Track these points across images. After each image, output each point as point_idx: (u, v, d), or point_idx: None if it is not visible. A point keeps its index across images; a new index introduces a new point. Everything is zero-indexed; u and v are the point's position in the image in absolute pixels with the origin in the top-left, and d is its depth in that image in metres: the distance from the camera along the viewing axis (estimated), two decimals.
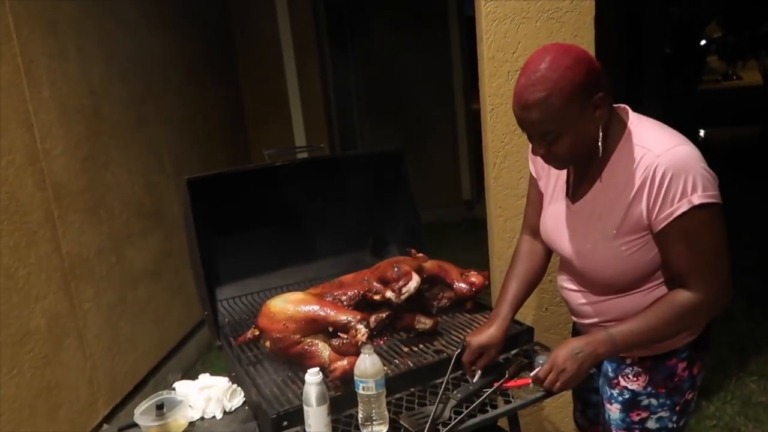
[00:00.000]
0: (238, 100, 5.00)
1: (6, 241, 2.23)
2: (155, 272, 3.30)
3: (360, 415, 1.32)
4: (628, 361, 1.42)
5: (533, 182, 1.57)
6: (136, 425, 1.45)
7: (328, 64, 5.47)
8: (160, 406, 1.41)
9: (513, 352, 1.61)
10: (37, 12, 2.51)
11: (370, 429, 1.31)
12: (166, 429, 1.41)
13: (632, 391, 1.42)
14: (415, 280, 1.61)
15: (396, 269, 1.65)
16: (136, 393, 3.00)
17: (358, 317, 1.49)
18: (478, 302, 1.89)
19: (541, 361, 1.52)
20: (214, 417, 1.50)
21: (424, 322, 1.65)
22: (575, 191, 1.41)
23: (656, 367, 1.39)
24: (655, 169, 1.19)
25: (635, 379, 1.41)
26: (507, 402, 1.45)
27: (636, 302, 1.34)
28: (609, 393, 1.47)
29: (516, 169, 2.10)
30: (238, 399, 1.54)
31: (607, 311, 1.40)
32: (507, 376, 1.46)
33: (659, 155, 1.20)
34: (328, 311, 1.51)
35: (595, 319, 1.44)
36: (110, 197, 2.95)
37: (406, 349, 1.63)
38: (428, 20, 5.92)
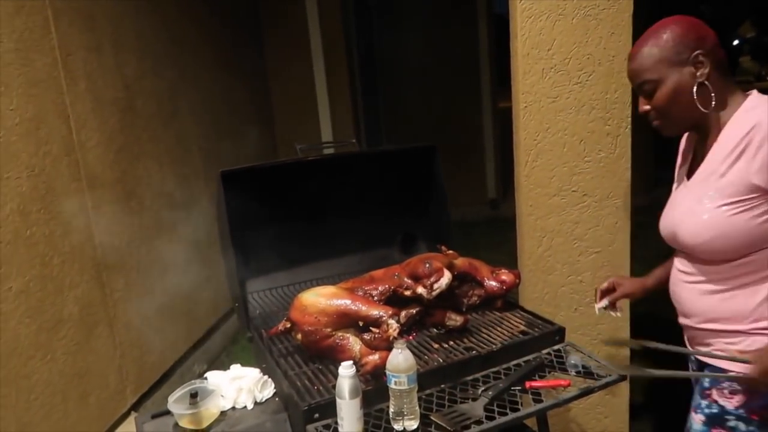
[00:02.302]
0: (266, 94, 5.03)
1: (42, 230, 2.28)
2: (184, 264, 3.34)
3: (391, 410, 1.32)
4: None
5: None
6: (168, 413, 1.47)
7: (356, 60, 5.48)
8: (194, 395, 1.43)
9: (544, 351, 1.60)
10: (75, 6, 2.56)
11: (401, 424, 1.31)
12: (198, 417, 1.43)
13: (722, 407, 1.37)
14: (446, 277, 1.61)
15: (427, 265, 1.65)
16: (163, 382, 3.04)
17: (390, 312, 1.49)
18: (509, 301, 1.88)
19: (573, 361, 1.51)
20: (245, 407, 1.51)
21: (455, 319, 1.65)
22: (692, 171, 1.43)
23: (757, 391, 1.31)
24: (761, 126, 1.22)
25: (730, 396, 1.35)
26: (537, 401, 1.44)
27: (747, 299, 1.32)
28: (698, 402, 1.43)
29: (548, 167, 2.08)
30: (269, 390, 1.55)
31: (722, 307, 1.37)
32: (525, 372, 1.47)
33: None
34: (360, 306, 1.52)
35: (710, 319, 1.39)
36: (141, 189, 2.99)
37: (436, 346, 1.63)
38: (456, 17, 5.89)
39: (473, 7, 5.89)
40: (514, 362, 1.56)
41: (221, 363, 3.55)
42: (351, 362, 1.28)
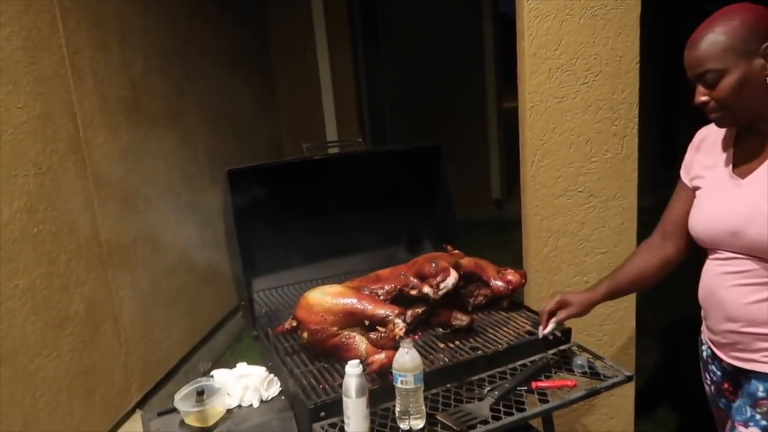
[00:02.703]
0: (271, 93, 5.04)
1: (49, 227, 2.29)
2: (189, 262, 3.35)
3: (397, 409, 1.32)
4: None
5: (681, 184, 1.53)
6: (175, 410, 1.47)
7: (361, 59, 5.48)
8: (200, 392, 1.44)
9: (551, 352, 1.60)
10: (82, 4, 2.57)
11: (407, 423, 1.31)
12: (204, 415, 1.43)
13: None
14: (453, 276, 1.61)
15: (434, 265, 1.65)
16: (168, 380, 3.05)
17: (396, 311, 1.49)
18: (514, 301, 1.88)
19: (579, 362, 1.51)
20: (251, 405, 1.51)
21: (461, 319, 1.65)
22: (744, 170, 1.35)
23: None
24: None
25: None
26: (543, 402, 1.44)
27: None
28: (749, 414, 1.34)
29: (554, 167, 2.08)
30: (275, 388, 1.55)
31: None
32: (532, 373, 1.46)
33: None
34: (366, 305, 1.52)
35: (761, 323, 1.32)
36: (147, 187, 3.00)
37: (441, 345, 1.63)
38: (462, 17, 5.88)
39: (479, 7, 5.88)
40: (520, 362, 1.56)
41: (225, 361, 3.56)
42: (357, 361, 1.28)
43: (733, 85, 1.25)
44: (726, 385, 1.47)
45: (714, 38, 1.25)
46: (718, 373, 1.48)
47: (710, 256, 1.42)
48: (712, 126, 1.40)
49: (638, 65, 2.04)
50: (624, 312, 2.19)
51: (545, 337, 1.58)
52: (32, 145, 2.24)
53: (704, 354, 1.52)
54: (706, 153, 1.46)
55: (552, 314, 1.58)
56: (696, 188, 1.46)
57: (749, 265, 1.31)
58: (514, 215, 2.25)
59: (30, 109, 2.24)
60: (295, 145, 4.87)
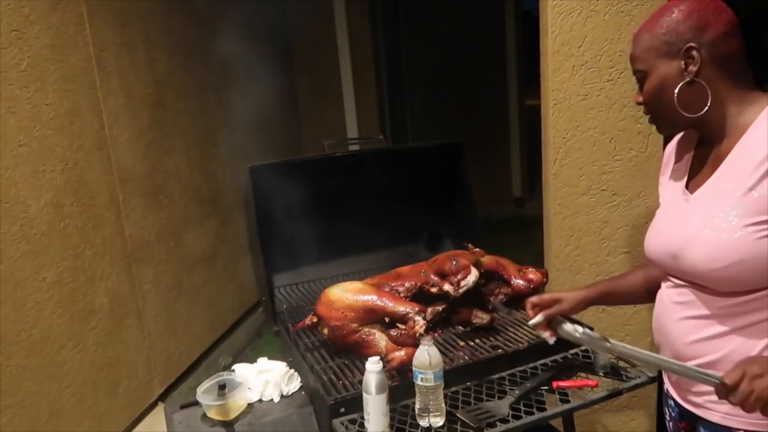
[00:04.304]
0: (292, 90, 5.06)
1: (75, 222, 2.33)
2: (210, 258, 3.39)
3: (417, 406, 1.32)
4: None
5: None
6: (197, 403, 1.49)
7: (382, 56, 5.48)
8: (222, 386, 1.45)
9: (572, 351, 1.58)
10: (108, 3, 2.61)
11: (427, 420, 1.31)
12: (226, 409, 1.45)
13: None
14: (473, 274, 1.60)
15: (454, 263, 1.64)
16: (189, 374, 3.09)
17: (416, 309, 1.49)
18: None
19: (601, 362, 1.50)
20: (271, 400, 1.53)
21: (481, 317, 1.64)
22: (695, 184, 1.21)
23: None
24: None
25: None
26: (564, 402, 1.42)
27: (749, 343, 1.09)
28: None
29: (577, 165, 2.06)
30: (295, 384, 1.56)
31: (722, 350, 1.13)
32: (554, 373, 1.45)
33: None
34: (387, 302, 1.52)
35: (707, 363, 1.14)
36: (170, 183, 3.04)
37: (462, 343, 1.63)
38: (484, 14, 5.85)
39: (501, 4, 5.84)
40: (541, 362, 1.54)
41: (246, 356, 3.59)
42: (378, 358, 1.28)
43: (653, 88, 1.16)
44: (683, 425, 1.30)
45: (641, 37, 1.17)
46: (676, 410, 1.32)
47: (663, 282, 1.27)
48: (683, 133, 1.30)
49: None
50: (647, 312, 2.16)
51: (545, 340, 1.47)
52: (59, 141, 2.28)
53: (664, 387, 1.36)
54: (666, 164, 1.35)
55: (538, 306, 1.44)
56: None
57: (693, 295, 1.16)
58: (535, 213, 2.23)
59: (57, 106, 2.28)
60: (315, 142, 4.90)
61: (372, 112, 5.15)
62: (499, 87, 6.04)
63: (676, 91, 1.13)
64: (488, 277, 1.76)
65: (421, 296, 1.65)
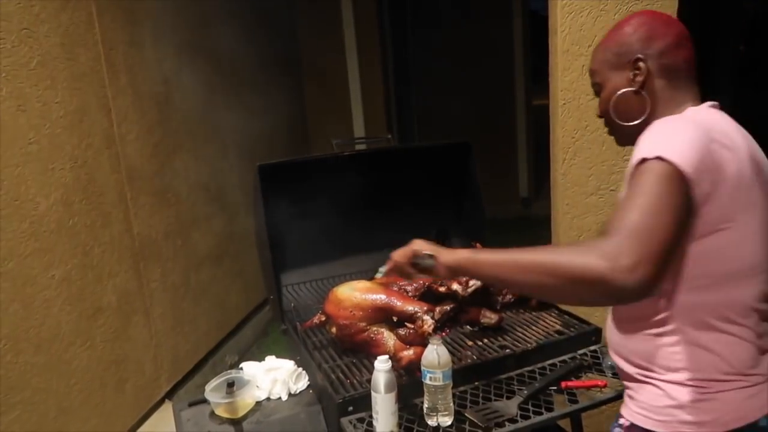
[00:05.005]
0: (299, 89, 5.07)
1: (84, 220, 2.34)
2: (217, 256, 3.40)
3: (425, 405, 1.32)
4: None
5: None
6: (205, 401, 1.50)
7: (389, 55, 5.48)
8: (231, 384, 1.46)
9: (580, 352, 1.58)
10: (117, 2, 2.62)
11: (435, 419, 1.31)
12: (234, 407, 1.45)
13: None
14: None
15: None
16: (196, 372, 3.10)
17: (425, 308, 1.49)
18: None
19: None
20: (279, 398, 1.53)
21: (490, 317, 1.64)
22: None
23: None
24: (636, 148, 1.03)
25: None
26: (572, 402, 1.42)
27: (646, 340, 1.08)
28: None
29: (586, 165, 2.05)
30: (303, 382, 1.56)
31: (623, 345, 1.14)
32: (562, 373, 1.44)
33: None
34: (395, 301, 1.52)
35: (619, 359, 1.17)
36: (178, 182, 3.04)
37: (470, 343, 1.63)
38: (491, 14, 5.84)
39: (508, 4, 5.83)
40: (549, 362, 1.54)
41: (252, 355, 3.60)
42: (387, 357, 1.28)
43: (604, 100, 1.19)
44: None
45: (596, 51, 1.22)
46: None
47: None
48: None
49: None
50: None
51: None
52: (69, 139, 2.29)
53: None
54: None
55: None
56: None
57: None
58: (542, 214, 2.23)
59: (67, 104, 2.29)
60: (322, 141, 4.90)
61: (379, 111, 5.15)
62: (506, 87, 6.02)
63: (613, 99, 1.16)
64: None
65: (429, 295, 1.66)
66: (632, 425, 1.10)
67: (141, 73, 2.78)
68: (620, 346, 1.15)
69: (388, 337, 1.51)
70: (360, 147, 3.79)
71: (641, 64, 1.13)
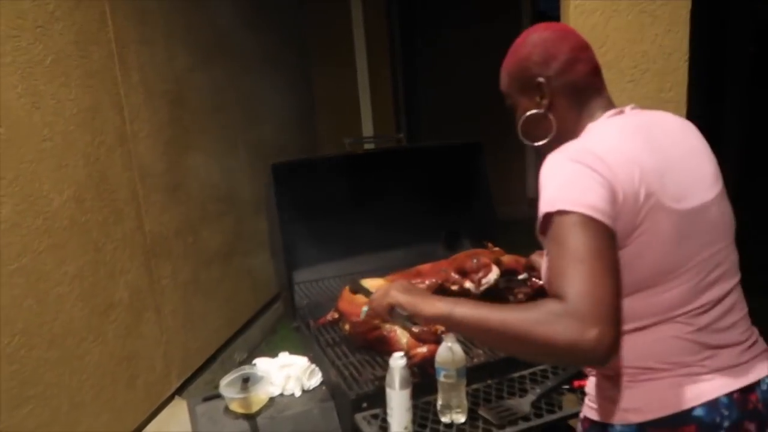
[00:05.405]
0: (309, 89, 5.08)
1: (96, 217, 2.35)
2: (227, 254, 3.41)
3: (439, 403, 1.33)
4: None
5: None
6: (219, 396, 1.51)
7: (398, 56, 5.49)
8: (246, 380, 1.47)
9: None
10: (130, 1, 2.63)
11: (449, 417, 1.32)
12: (248, 402, 1.46)
13: None
14: (494, 272, 1.61)
15: (475, 261, 1.65)
16: (205, 368, 3.11)
17: None
18: None
19: None
20: (292, 394, 1.54)
21: None
22: None
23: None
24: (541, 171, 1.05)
25: None
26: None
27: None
28: None
29: None
30: (316, 379, 1.57)
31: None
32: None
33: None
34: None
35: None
36: (188, 180, 3.06)
37: None
38: (500, 15, 5.84)
39: (517, 4, 5.83)
40: None
41: (261, 352, 3.61)
42: (402, 353, 1.29)
43: (519, 120, 1.20)
44: None
45: (503, 74, 1.23)
46: None
47: None
48: None
49: (687, 63, 2.00)
50: None
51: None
52: (81, 137, 2.31)
53: None
54: None
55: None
56: None
57: None
58: None
59: (80, 102, 2.31)
60: (331, 140, 4.91)
61: (387, 110, 5.16)
62: None
63: (521, 121, 1.18)
64: (508, 275, 1.76)
65: (441, 294, 1.65)
66: (585, 418, 1.14)
67: (152, 71, 2.80)
68: None
69: (401, 335, 1.52)
70: (371, 146, 3.81)
71: (544, 87, 1.13)
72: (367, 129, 5.03)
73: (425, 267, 1.75)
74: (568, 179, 0.98)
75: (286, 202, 1.84)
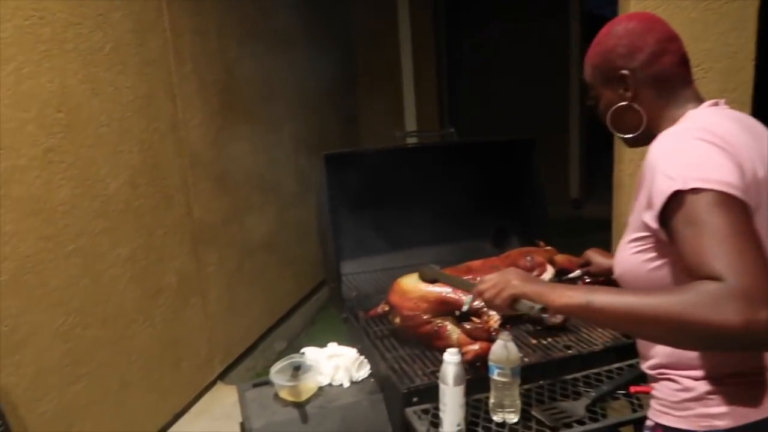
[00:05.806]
0: (354, 83, 5.09)
1: (148, 202, 2.41)
2: (270, 244, 3.45)
3: (492, 401, 1.31)
4: None
5: None
6: (268, 383, 1.52)
7: (443, 51, 5.45)
8: (297, 368, 1.47)
9: None
10: None
11: (501, 416, 1.30)
12: (297, 390, 1.47)
13: None
14: (549, 272, 1.58)
15: (529, 259, 1.62)
16: (247, 356, 3.15)
17: None
18: None
19: None
20: (341, 385, 1.54)
21: (556, 317, 1.61)
22: None
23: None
24: (650, 153, 1.01)
25: None
26: (641, 407, 1.39)
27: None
28: None
29: None
30: (365, 370, 1.57)
31: (643, 345, 1.16)
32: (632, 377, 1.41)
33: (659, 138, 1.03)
34: (461, 295, 1.51)
35: (642, 361, 1.18)
36: (235, 169, 3.10)
37: (533, 341, 1.60)
38: (548, 14, 5.76)
39: (565, 4, 5.75)
40: (616, 365, 1.51)
41: (300, 342, 3.64)
42: (457, 349, 1.28)
43: (602, 109, 1.19)
44: None
45: (586, 66, 1.21)
46: None
47: None
48: None
49: (753, 63, 1.92)
50: None
51: None
52: (137, 123, 2.36)
53: None
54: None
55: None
56: None
57: None
58: (592, 215, 2.18)
59: (136, 89, 2.36)
60: (374, 133, 4.91)
61: (431, 107, 5.14)
62: (560, 86, 5.93)
63: (609, 115, 1.17)
64: (561, 275, 1.73)
65: None
66: (656, 425, 1.09)
67: (205, 61, 2.84)
68: (642, 347, 1.16)
69: (452, 330, 1.50)
70: (411, 140, 3.79)
71: (628, 79, 1.12)
72: (411, 123, 5.02)
73: (476, 263, 1.72)
74: (697, 156, 0.96)
75: (336, 193, 1.84)
